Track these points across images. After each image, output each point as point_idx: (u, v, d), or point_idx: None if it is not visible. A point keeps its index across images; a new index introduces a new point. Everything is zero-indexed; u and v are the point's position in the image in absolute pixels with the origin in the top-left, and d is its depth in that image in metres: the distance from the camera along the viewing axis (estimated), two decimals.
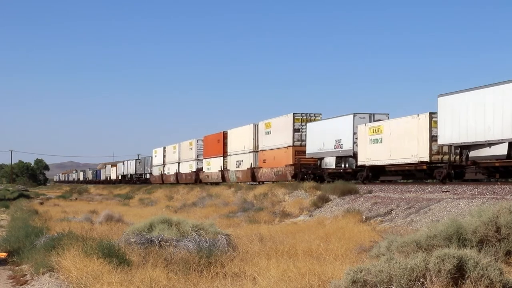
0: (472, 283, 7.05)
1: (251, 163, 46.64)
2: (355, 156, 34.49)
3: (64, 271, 10.00)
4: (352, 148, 34.68)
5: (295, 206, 25.43)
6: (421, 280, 7.14)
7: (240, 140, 49.71)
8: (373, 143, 32.58)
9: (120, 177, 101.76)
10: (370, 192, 25.50)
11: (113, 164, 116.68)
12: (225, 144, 53.17)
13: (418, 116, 29.48)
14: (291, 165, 40.12)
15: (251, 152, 46.95)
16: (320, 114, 41.29)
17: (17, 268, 12.65)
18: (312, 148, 38.76)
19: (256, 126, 46.97)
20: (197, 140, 61.88)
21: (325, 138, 37.21)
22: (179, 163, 68.17)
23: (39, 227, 16.51)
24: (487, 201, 16.58)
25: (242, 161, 48.75)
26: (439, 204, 18.06)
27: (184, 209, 29.07)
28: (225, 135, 53.50)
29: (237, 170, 49.79)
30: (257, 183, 44.49)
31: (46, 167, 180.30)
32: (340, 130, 36.12)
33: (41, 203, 38.38)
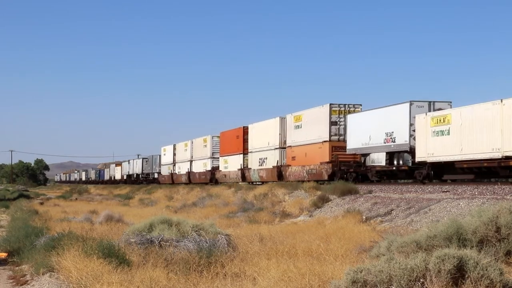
0: (472, 283, 7.05)
1: (277, 161, 42.05)
2: (411, 151, 29.79)
3: (64, 271, 10.00)
4: (408, 142, 29.95)
5: (295, 206, 25.43)
6: (421, 280, 7.14)
7: (263, 135, 44.95)
8: (437, 135, 27.96)
9: (125, 177, 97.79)
10: (370, 192, 25.51)
11: (118, 164, 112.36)
12: (245, 140, 48.50)
13: (501, 101, 24.55)
14: (327, 162, 35.47)
15: (277, 148, 42.42)
16: (360, 105, 36.86)
17: (17, 268, 12.65)
18: (354, 143, 34.32)
19: (283, 120, 42.04)
20: (212, 137, 57.19)
21: (372, 131, 32.85)
22: (191, 161, 63.37)
23: (39, 227, 16.51)
24: (487, 201, 16.58)
25: (266, 158, 44.14)
26: (439, 204, 18.06)
27: (184, 209, 29.08)
28: (245, 130, 48.68)
29: (260, 169, 45.10)
30: (284, 182, 38.68)
31: (46, 167, 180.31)
32: (392, 121, 31.39)
33: (41, 203, 38.39)
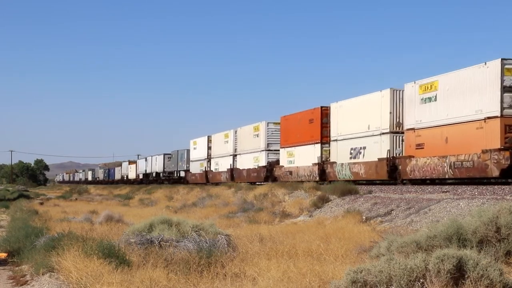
0: (472, 283, 7.06)
1: (389, 151, 29.28)
2: None
3: (64, 271, 10.00)
4: None
5: (295, 206, 25.43)
6: (421, 280, 7.15)
7: (358, 116, 32.26)
8: None
9: (141, 176, 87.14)
10: (370, 192, 25.51)
11: (131, 162, 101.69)
12: (323, 125, 36.03)
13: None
14: (498, 150, 22.57)
15: (385, 133, 29.82)
16: None
17: (17, 268, 12.65)
18: None
19: (395, 93, 29.64)
20: (268, 123, 45.07)
21: None
22: (234, 155, 50.96)
23: (39, 227, 16.50)
24: (487, 201, 16.58)
25: (364, 148, 31.46)
26: (439, 204, 18.05)
27: (184, 210, 29.07)
28: (324, 112, 36.34)
29: (355, 163, 32.20)
30: (400, 181, 28.53)
31: (46, 167, 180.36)
32: None
33: (41, 203, 38.37)
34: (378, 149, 30.32)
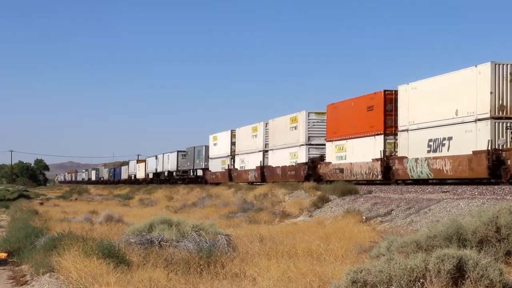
0: (472, 283, 7.06)
1: (490, 141, 22.84)
2: None
3: (64, 271, 10.00)
4: None
5: (295, 207, 25.43)
6: (421, 280, 7.14)
7: (438, 100, 26.15)
8: None
9: (151, 176, 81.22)
10: (370, 192, 25.51)
11: (140, 160, 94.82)
12: (387, 113, 29.90)
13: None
14: None
15: (482, 119, 23.42)
16: None
17: (17, 268, 12.65)
18: None
19: (499, 67, 23.31)
20: (308, 113, 38.41)
21: None
22: (265, 151, 44.79)
23: (39, 228, 16.50)
24: (487, 201, 16.57)
25: (451, 139, 25.18)
26: (439, 204, 18.05)
27: (184, 210, 29.07)
28: (388, 96, 30.01)
29: (438, 157, 25.77)
30: (508, 180, 22.51)
31: (46, 167, 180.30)
32: None
33: (41, 204, 38.38)
34: (471, 140, 23.98)
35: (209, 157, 57.58)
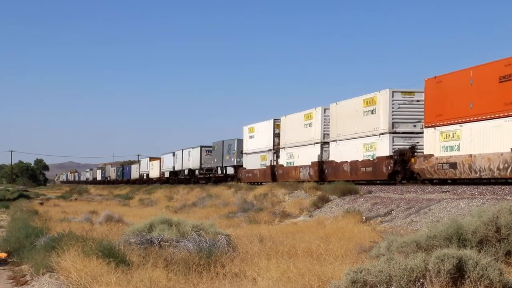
0: (472, 283, 7.06)
1: None
2: None
3: (64, 271, 10.00)
4: None
5: (295, 207, 25.43)
6: (421, 280, 7.15)
7: None
8: None
9: (167, 174, 72.73)
10: (370, 192, 25.51)
11: (153, 158, 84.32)
12: None
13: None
14: None
15: None
16: None
17: (17, 268, 12.65)
18: None
19: None
20: (393, 93, 29.89)
21: None
22: (324, 143, 36.41)
23: (39, 228, 16.49)
24: (487, 201, 16.58)
25: None
26: (439, 204, 18.05)
27: (184, 210, 29.08)
28: None
29: None
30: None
31: (46, 167, 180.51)
32: None
33: (41, 204, 38.38)
34: None
35: (243, 152, 48.80)
